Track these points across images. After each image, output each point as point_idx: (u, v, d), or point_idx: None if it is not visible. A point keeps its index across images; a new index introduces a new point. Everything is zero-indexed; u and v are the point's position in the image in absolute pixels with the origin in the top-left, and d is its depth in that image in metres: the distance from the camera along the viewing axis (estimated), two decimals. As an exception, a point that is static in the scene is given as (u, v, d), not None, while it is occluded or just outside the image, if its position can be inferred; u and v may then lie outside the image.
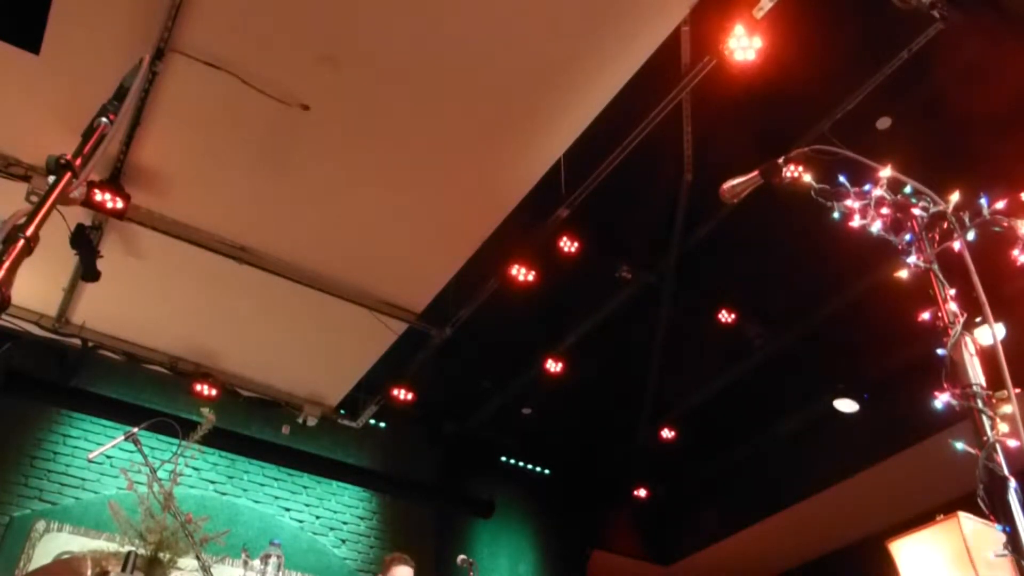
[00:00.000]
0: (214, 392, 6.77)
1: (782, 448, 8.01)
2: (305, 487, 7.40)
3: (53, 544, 6.03)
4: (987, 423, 1.33)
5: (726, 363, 7.61)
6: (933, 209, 1.57)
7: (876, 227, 1.61)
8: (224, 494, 6.94)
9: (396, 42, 4.37)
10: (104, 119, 1.44)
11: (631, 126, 4.89)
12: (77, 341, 6.55)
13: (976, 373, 1.38)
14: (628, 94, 4.62)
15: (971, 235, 1.54)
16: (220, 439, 5.98)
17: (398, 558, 5.18)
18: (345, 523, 7.47)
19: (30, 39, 4.35)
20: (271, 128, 4.81)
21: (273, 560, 4.09)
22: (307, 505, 7.34)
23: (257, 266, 5.78)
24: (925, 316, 1.57)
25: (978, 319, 1.55)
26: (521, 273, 5.94)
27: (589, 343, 7.16)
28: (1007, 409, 1.32)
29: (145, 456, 4.27)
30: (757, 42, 4.33)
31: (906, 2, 4.27)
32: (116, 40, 4.33)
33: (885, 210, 1.60)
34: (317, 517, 7.34)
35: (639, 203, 6.29)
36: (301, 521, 7.23)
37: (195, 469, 6.63)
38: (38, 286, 5.98)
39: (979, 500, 1.35)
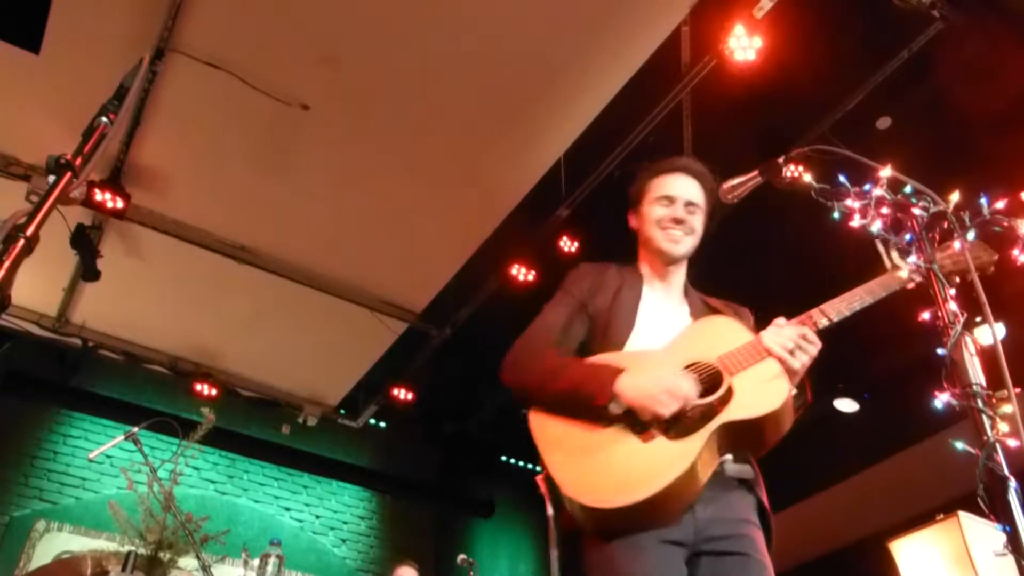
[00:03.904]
0: (214, 392, 6.77)
1: (782, 448, 7.99)
2: (305, 487, 7.40)
3: (53, 544, 6.02)
4: (987, 423, 1.32)
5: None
6: (933, 209, 1.56)
7: (876, 227, 1.61)
8: (224, 494, 6.94)
9: (396, 42, 4.37)
10: (104, 119, 1.44)
11: (631, 126, 4.89)
12: (77, 341, 6.55)
13: (976, 373, 1.38)
14: (628, 94, 4.62)
15: (971, 235, 1.54)
16: (220, 439, 5.97)
17: (404, 561, 5.30)
18: (345, 523, 7.47)
19: (30, 39, 4.35)
20: (271, 128, 4.81)
21: (273, 560, 4.08)
22: (307, 505, 7.34)
23: (257, 266, 5.78)
24: (925, 316, 1.57)
25: (978, 319, 1.55)
26: (521, 273, 5.92)
27: (589, 343, 7.15)
28: (1007, 409, 1.32)
29: (145, 456, 4.27)
30: (757, 42, 4.33)
31: (906, 2, 4.27)
32: (116, 40, 4.33)
33: (885, 210, 1.60)
34: (317, 517, 7.33)
35: (639, 203, 6.27)
36: (301, 521, 7.23)
37: (195, 469, 6.63)
38: (38, 286, 5.97)
39: (979, 500, 1.35)
